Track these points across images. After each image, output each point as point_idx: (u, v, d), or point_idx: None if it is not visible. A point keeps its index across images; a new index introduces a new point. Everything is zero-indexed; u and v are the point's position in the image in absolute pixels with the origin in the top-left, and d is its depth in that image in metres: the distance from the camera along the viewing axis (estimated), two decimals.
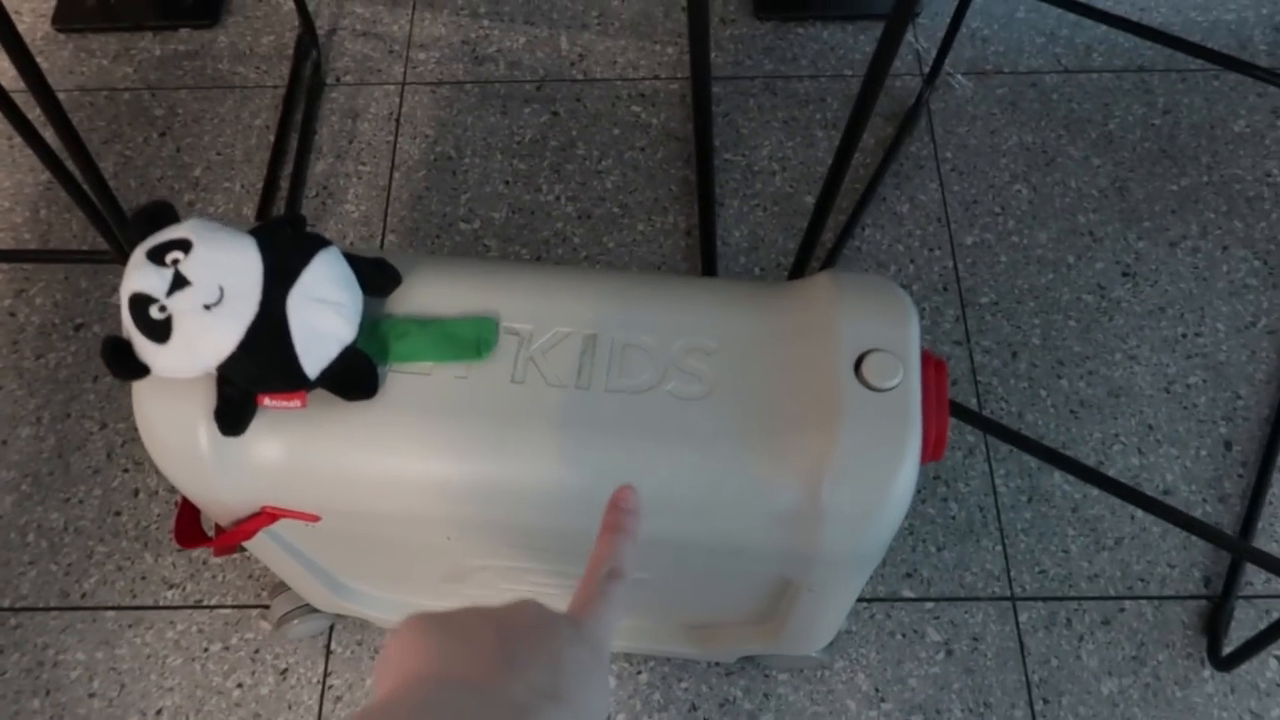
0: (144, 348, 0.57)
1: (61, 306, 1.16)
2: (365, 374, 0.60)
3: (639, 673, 0.94)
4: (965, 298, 1.12)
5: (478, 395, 0.61)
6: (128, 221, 0.61)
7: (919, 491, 1.02)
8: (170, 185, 1.24)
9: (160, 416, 0.60)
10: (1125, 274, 1.13)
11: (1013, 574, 0.98)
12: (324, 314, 0.58)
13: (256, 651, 0.97)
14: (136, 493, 1.05)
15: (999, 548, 0.99)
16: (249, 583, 1.00)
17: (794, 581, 0.67)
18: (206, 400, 0.59)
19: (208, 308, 0.56)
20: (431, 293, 0.65)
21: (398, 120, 1.28)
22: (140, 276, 0.56)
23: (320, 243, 0.60)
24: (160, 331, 0.56)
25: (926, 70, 1.25)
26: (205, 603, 0.99)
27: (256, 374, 0.57)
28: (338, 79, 1.31)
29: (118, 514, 1.04)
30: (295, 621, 0.93)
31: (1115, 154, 1.20)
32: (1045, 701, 0.92)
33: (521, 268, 0.69)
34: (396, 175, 1.24)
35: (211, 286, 0.56)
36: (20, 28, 1.38)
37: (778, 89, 1.27)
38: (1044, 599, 0.97)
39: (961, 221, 1.17)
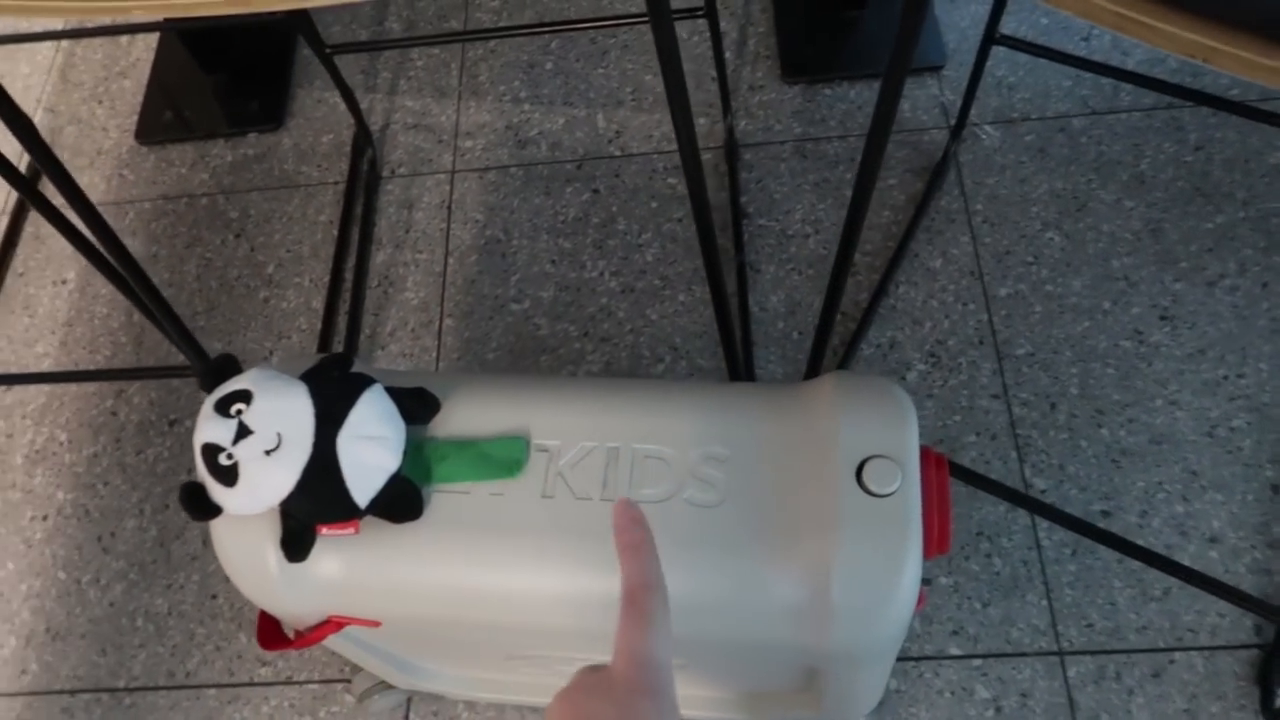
0: (215, 490, 0.64)
1: (157, 405, 1.27)
2: (411, 499, 0.67)
3: None
4: (1001, 350, 1.14)
5: (512, 511, 0.67)
6: (199, 361, 0.69)
7: (963, 548, 1.05)
8: (246, 283, 1.34)
9: (235, 547, 0.68)
10: (1163, 317, 1.13)
11: (1059, 628, 1.00)
12: (370, 449, 0.65)
13: None
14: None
15: (1044, 602, 1.01)
16: (333, 658, 1.08)
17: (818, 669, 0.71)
18: (273, 530, 0.66)
19: (268, 453, 0.63)
20: (467, 414, 0.71)
21: (449, 208, 1.36)
22: (209, 428, 0.64)
23: (365, 382, 0.67)
24: (228, 476, 0.63)
25: (953, 123, 1.27)
26: (295, 679, 1.08)
27: (313, 509, 0.64)
28: (393, 171, 1.40)
29: (214, 597, 1.14)
30: (375, 696, 1.00)
31: (1148, 195, 1.20)
32: None
33: (548, 383, 0.75)
34: (451, 261, 1.32)
35: (270, 434, 0.63)
36: (108, 143, 1.52)
37: (808, 151, 1.31)
38: (1092, 653, 0.98)
39: (995, 273, 1.18)
